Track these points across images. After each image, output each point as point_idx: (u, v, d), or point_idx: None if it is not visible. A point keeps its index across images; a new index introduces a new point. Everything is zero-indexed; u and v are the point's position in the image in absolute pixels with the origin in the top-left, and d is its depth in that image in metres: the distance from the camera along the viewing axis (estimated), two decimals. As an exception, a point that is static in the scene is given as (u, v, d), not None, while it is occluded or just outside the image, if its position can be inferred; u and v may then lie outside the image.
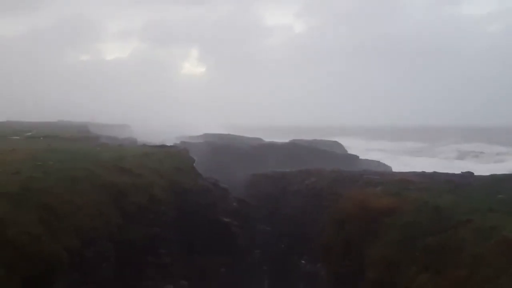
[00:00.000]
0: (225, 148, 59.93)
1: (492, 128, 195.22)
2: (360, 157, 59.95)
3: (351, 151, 70.24)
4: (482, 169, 49.88)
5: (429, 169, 35.40)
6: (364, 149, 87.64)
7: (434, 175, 31.09)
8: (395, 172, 42.02)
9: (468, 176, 29.23)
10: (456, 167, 52.04)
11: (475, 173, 30.93)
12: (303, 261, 32.49)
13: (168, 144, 50.57)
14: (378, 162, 58.40)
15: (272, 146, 61.88)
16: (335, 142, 75.36)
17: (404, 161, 79.32)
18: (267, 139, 71.93)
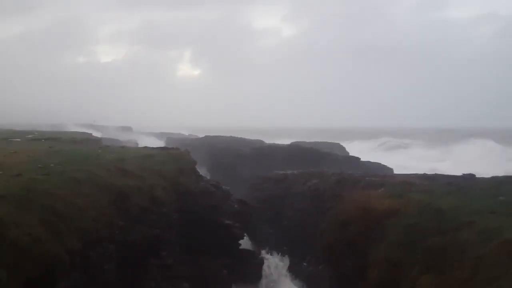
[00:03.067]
0: (226, 150, 59.99)
1: (491, 129, 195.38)
2: (361, 159, 59.94)
3: (353, 153, 70.18)
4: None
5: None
6: (359, 151, 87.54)
7: (435, 177, 31.13)
8: (396, 174, 42.09)
9: (469, 178, 29.24)
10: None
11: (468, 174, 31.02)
12: (304, 263, 32.49)
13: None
14: (379, 164, 58.33)
15: (273, 148, 61.86)
16: (337, 144, 75.42)
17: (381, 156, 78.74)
18: (267, 141, 71.99)
